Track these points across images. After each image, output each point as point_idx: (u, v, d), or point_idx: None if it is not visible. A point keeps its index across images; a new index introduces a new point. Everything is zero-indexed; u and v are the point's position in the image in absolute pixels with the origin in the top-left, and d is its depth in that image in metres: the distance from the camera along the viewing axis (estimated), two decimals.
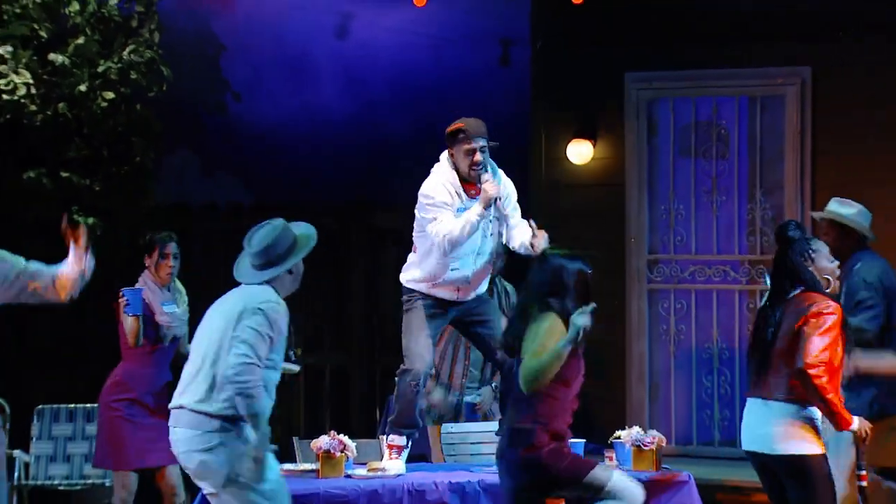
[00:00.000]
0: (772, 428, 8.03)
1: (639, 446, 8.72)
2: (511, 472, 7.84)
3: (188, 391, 7.65)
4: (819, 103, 12.32)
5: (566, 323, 7.66)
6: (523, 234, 9.12)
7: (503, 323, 9.06)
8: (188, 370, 7.74)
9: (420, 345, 9.00)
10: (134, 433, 10.00)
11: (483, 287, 9.25)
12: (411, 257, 9.21)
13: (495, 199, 8.90)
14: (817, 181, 12.31)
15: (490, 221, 9.03)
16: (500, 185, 9.00)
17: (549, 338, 7.63)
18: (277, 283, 7.84)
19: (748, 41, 12.40)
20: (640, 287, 12.80)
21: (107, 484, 11.06)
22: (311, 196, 13.90)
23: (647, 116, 12.87)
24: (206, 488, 7.71)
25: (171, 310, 10.08)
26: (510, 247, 9.26)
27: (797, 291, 8.09)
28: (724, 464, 11.64)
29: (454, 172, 8.98)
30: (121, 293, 9.90)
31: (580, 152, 12.86)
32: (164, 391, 10.03)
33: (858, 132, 12.12)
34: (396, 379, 9.12)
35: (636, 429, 8.89)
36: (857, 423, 7.87)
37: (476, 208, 8.87)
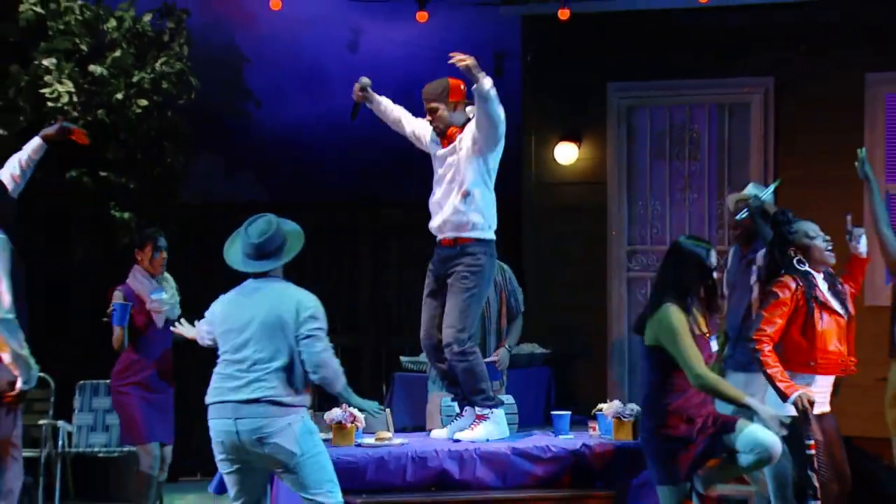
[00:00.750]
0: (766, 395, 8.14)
1: (619, 418, 8.71)
2: (643, 441, 7.95)
3: (254, 387, 7.62)
4: (781, 110, 12.35)
5: (684, 309, 7.77)
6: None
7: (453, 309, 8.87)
8: (242, 368, 7.70)
9: (422, 320, 8.96)
10: (143, 412, 9.93)
11: (452, 217, 8.78)
12: None
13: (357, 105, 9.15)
14: (780, 177, 12.34)
15: (456, 162, 8.78)
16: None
17: (684, 332, 7.73)
18: (275, 273, 7.87)
19: (718, 55, 12.42)
20: (620, 275, 12.83)
21: None
22: (324, 194, 13.93)
23: (626, 122, 12.88)
24: (275, 468, 7.74)
25: (159, 296, 10.01)
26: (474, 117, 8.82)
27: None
28: None
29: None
30: (111, 306, 9.89)
31: (566, 154, 12.88)
32: (165, 371, 10.08)
33: (815, 135, 12.16)
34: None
35: (616, 402, 8.88)
36: (794, 395, 7.87)
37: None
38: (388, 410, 9.48)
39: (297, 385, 7.66)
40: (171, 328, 9.33)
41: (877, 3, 11.87)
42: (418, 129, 9.01)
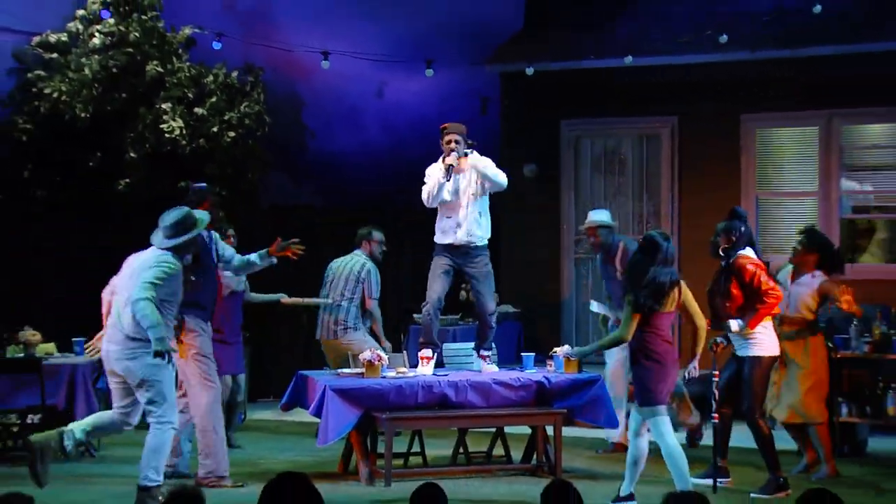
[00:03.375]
0: None
1: (568, 358, 8.67)
2: None
3: (122, 321, 7.52)
4: (682, 139, 12.39)
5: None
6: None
7: (488, 291, 8.90)
8: (118, 305, 7.59)
9: (432, 288, 8.78)
10: (217, 351, 9.78)
11: (474, 232, 8.75)
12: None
13: (450, 167, 8.58)
14: (682, 189, 12.40)
15: (472, 189, 8.68)
16: (457, 158, 8.62)
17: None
18: (181, 249, 7.62)
19: (637, 100, 12.46)
20: (570, 256, 12.87)
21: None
22: (358, 201, 13.96)
23: (574, 148, 12.92)
24: (119, 382, 7.61)
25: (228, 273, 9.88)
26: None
27: None
28: None
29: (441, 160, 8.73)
30: None
31: (532, 170, 12.92)
32: (234, 324, 9.72)
33: (706, 157, 12.20)
34: (422, 312, 8.91)
35: (567, 346, 8.87)
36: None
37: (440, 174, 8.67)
38: (405, 352, 9.47)
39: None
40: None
41: (748, 65, 11.92)
42: (435, 172, 8.78)
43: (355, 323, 9.74)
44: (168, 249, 7.56)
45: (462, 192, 8.76)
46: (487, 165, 8.75)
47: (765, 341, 8.08)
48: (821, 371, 8.61)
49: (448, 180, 8.64)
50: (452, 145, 8.66)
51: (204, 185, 8.70)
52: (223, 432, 8.22)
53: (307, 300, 10.19)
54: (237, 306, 10.00)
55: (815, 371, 8.59)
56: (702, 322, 7.45)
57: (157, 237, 7.65)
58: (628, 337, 7.23)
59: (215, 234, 8.45)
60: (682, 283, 7.32)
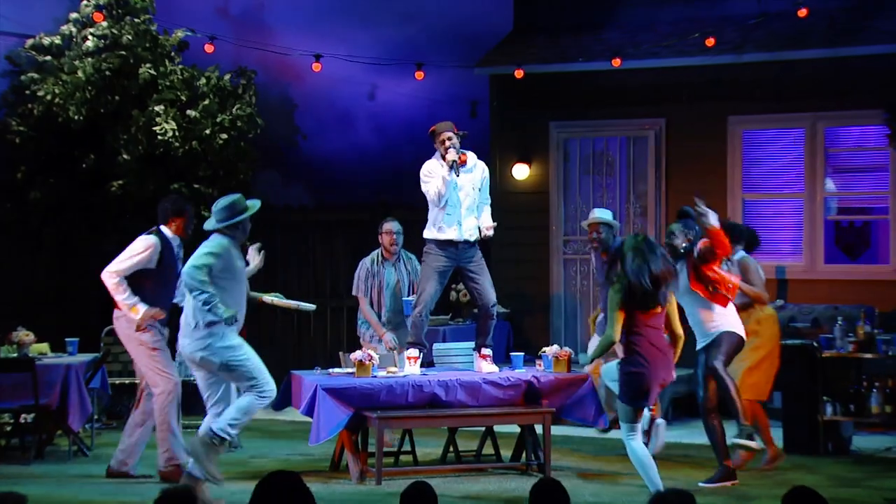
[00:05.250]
0: None
1: (557, 357, 8.72)
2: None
3: (187, 312, 7.71)
4: (669, 141, 12.37)
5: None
6: (483, 219, 8.82)
7: (488, 283, 8.86)
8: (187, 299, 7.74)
9: (426, 289, 8.75)
10: None
11: (472, 231, 8.74)
12: (429, 218, 8.84)
13: (454, 163, 8.58)
14: (669, 190, 12.39)
15: (472, 189, 8.72)
16: (459, 154, 8.64)
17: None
18: (231, 231, 7.60)
19: (625, 102, 12.44)
20: (558, 257, 12.85)
21: None
22: (350, 200, 13.92)
23: (563, 149, 12.90)
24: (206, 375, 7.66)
25: None
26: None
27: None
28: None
29: (439, 159, 8.69)
30: None
31: (521, 172, 12.90)
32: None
33: (692, 159, 12.19)
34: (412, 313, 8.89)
35: (555, 346, 8.88)
36: None
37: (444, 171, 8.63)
38: (394, 351, 9.43)
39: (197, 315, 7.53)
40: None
41: (734, 68, 11.91)
42: (436, 170, 8.74)
43: (361, 322, 9.70)
44: (216, 232, 7.59)
45: (463, 190, 8.74)
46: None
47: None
48: (768, 346, 8.83)
49: (458, 176, 8.64)
50: (448, 143, 8.64)
51: (181, 196, 8.72)
52: (177, 426, 8.20)
53: (293, 303, 9.58)
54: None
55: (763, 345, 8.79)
56: (679, 331, 7.66)
57: (210, 222, 7.70)
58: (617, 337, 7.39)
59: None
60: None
